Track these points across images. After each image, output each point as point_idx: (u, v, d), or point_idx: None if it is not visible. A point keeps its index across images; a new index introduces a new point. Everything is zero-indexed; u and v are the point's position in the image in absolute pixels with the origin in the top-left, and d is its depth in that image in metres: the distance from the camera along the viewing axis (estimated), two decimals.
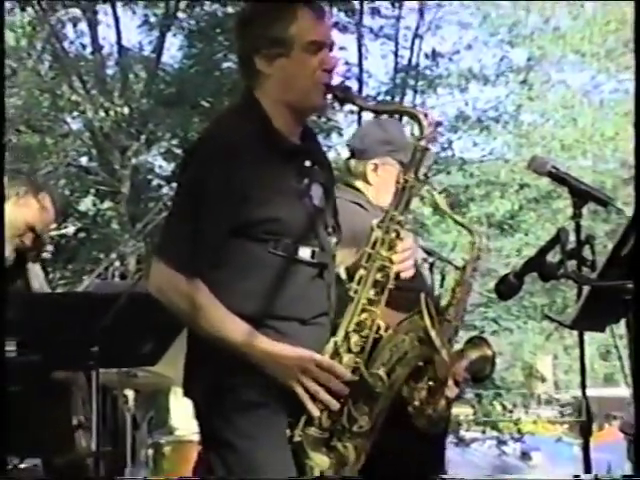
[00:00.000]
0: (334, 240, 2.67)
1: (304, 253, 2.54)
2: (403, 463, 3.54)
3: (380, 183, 3.64)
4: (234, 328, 2.46)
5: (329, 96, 2.61)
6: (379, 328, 2.55)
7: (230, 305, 2.47)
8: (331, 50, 2.62)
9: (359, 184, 3.69)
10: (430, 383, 3.21)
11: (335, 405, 2.46)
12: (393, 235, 2.57)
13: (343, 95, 2.62)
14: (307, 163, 2.63)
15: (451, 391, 3.34)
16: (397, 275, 2.61)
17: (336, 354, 2.50)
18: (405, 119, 2.94)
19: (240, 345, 2.45)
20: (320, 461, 2.46)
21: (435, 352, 2.53)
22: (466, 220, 3.84)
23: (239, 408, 2.46)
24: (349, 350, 2.51)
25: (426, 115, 2.60)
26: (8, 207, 3.80)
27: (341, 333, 2.52)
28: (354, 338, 2.51)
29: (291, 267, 2.53)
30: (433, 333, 2.50)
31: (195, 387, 2.57)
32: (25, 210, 3.85)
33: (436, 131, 2.89)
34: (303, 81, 2.57)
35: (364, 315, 2.53)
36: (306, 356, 2.46)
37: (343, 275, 2.64)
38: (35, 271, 3.95)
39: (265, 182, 2.51)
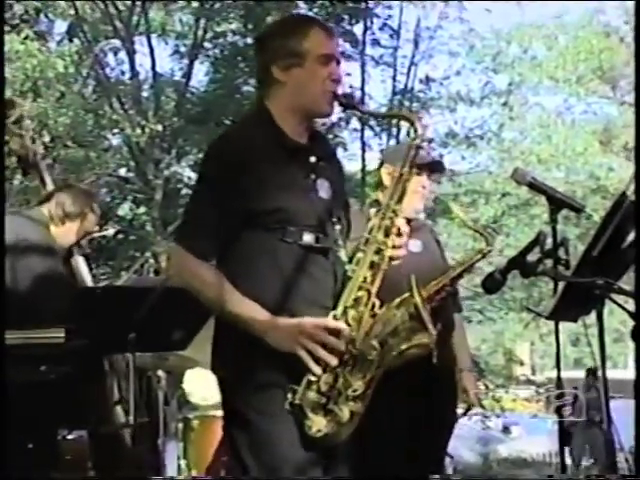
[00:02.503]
0: (338, 228, 2.61)
1: (308, 238, 2.50)
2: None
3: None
4: (237, 303, 2.42)
5: (335, 103, 2.60)
6: (374, 305, 2.50)
7: (247, 292, 2.43)
8: (338, 64, 2.62)
9: (380, 194, 3.77)
10: None
11: (334, 362, 2.40)
12: (388, 222, 2.52)
13: (347, 102, 2.64)
14: (312, 159, 2.60)
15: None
16: (392, 258, 2.55)
17: None
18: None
19: (242, 318, 2.41)
20: (317, 421, 2.41)
21: (423, 326, 2.48)
22: (481, 227, 3.85)
23: (258, 387, 2.42)
24: (347, 323, 2.45)
25: (419, 118, 2.61)
26: (73, 224, 3.84)
27: (340, 308, 2.46)
28: (351, 313, 2.46)
29: (299, 254, 2.49)
30: (422, 308, 2.47)
31: (220, 366, 2.54)
32: (87, 224, 3.94)
33: (427, 131, 2.91)
34: (314, 88, 2.56)
35: (360, 292, 2.48)
36: (301, 320, 2.41)
37: (344, 258, 2.58)
38: (79, 264, 3.97)
39: (272, 176, 2.49)
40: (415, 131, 2.57)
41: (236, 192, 2.45)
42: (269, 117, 2.58)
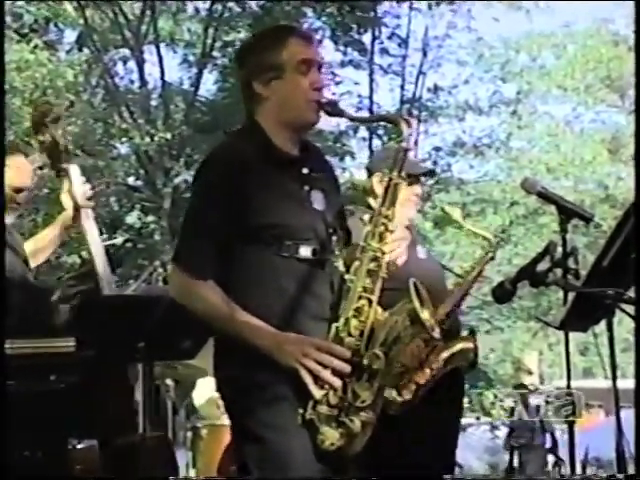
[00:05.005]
0: (335, 238, 2.58)
1: (305, 252, 2.48)
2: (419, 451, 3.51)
3: None
4: (241, 321, 2.40)
5: (321, 112, 2.55)
6: (376, 312, 2.47)
7: (247, 308, 2.41)
8: (320, 70, 2.57)
9: (371, 200, 3.73)
10: (399, 369, 3.13)
11: (337, 383, 2.38)
12: (382, 228, 2.48)
13: (332, 109, 2.57)
14: (305, 171, 2.56)
15: (421, 378, 3.25)
16: (389, 264, 2.51)
17: (337, 338, 2.43)
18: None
19: (245, 334, 2.39)
20: (330, 435, 2.39)
21: (425, 331, 2.46)
22: (483, 230, 3.84)
23: (264, 402, 2.40)
24: (349, 334, 2.43)
25: (406, 120, 2.53)
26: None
27: (342, 319, 2.44)
28: (353, 323, 2.44)
29: (297, 267, 2.47)
30: (421, 313, 2.44)
31: (223, 384, 2.52)
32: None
33: (414, 132, 2.78)
34: (297, 99, 2.52)
35: (361, 302, 2.45)
36: (306, 340, 2.40)
37: (341, 268, 2.55)
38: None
39: (266, 191, 2.47)
40: (401, 133, 2.50)
41: (231, 207, 2.43)
42: (260, 130, 2.55)
